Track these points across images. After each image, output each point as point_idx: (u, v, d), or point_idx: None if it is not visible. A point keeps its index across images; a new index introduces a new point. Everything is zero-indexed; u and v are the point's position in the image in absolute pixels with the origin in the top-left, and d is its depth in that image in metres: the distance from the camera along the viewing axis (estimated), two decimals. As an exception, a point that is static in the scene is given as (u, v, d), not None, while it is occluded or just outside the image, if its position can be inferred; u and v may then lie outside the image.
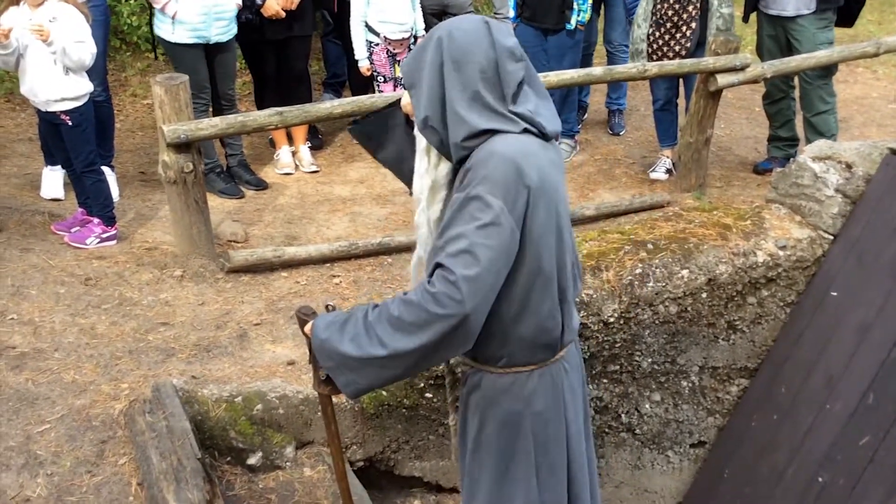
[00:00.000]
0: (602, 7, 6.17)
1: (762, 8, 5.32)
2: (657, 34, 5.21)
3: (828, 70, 5.28)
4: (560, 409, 2.35)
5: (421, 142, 2.21)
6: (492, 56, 2.07)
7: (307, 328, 2.24)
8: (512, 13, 5.68)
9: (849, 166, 3.82)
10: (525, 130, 2.09)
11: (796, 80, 5.43)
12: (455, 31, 2.10)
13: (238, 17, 5.03)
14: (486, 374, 2.30)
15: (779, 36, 5.32)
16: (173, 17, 4.74)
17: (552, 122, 2.16)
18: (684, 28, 5.13)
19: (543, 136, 2.13)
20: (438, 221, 2.22)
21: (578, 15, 5.38)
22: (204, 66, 4.95)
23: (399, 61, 5.50)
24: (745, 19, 5.55)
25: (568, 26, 5.40)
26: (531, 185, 2.05)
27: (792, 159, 4.42)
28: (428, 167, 2.21)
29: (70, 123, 4.15)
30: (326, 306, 2.31)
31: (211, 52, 4.95)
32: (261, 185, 5.33)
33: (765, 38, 5.42)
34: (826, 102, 5.37)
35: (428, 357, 2.07)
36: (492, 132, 2.07)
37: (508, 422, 2.31)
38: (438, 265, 2.02)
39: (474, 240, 1.99)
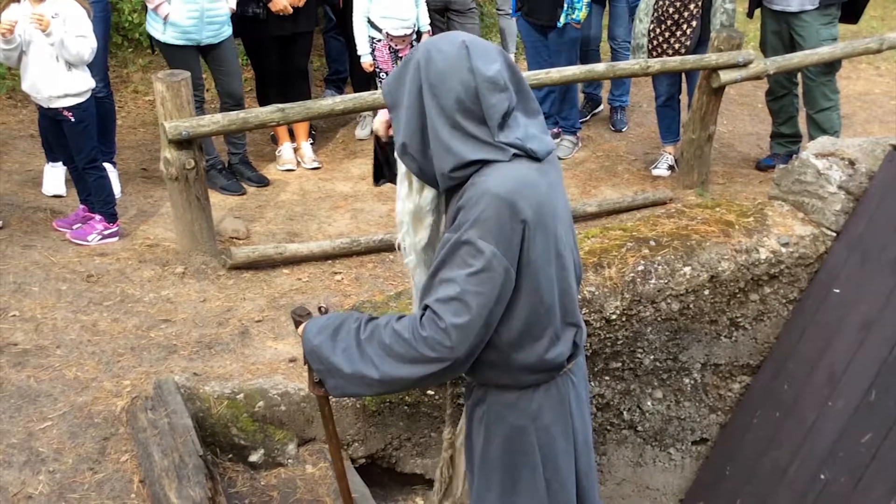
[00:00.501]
0: (607, 3, 6.16)
1: (766, 3, 5.30)
2: (657, 31, 5.19)
3: (831, 66, 5.26)
4: (567, 422, 2.29)
5: (401, 167, 2.13)
6: (471, 85, 1.95)
7: (300, 329, 2.21)
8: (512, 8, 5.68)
9: (852, 163, 3.81)
10: (515, 156, 1.99)
11: (799, 76, 5.42)
12: (433, 53, 1.99)
13: (244, 11, 5.02)
14: (491, 389, 2.25)
15: (782, 32, 5.30)
16: (165, 19, 4.73)
17: (543, 142, 2.06)
18: (685, 26, 5.11)
19: (535, 158, 2.03)
20: (426, 249, 2.18)
21: (572, 13, 5.34)
22: (197, 64, 4.93)
23: (401, 58, 5.48)
24: (750, 15, 5.54)
25: (559, 24, 5.37)
26: (527, 220, 1.97)
27: (795, 156, 4.41)
28: (409, 193, 2.14)
29: (72, 120, 4.15)
30: (319, 308, 2.27)
31: (205, 50, 4.93)
32: (262, 182, 5.32)
33: (768, 34, 5.40)
34: (829, 99, 5.36)
35: (418, 385, 2.07)
36: (480, 163, 1.97)
37: (514, 437, 2.26)
38: (429, 307, 1.98)
39: (465, 287, 1.94)
